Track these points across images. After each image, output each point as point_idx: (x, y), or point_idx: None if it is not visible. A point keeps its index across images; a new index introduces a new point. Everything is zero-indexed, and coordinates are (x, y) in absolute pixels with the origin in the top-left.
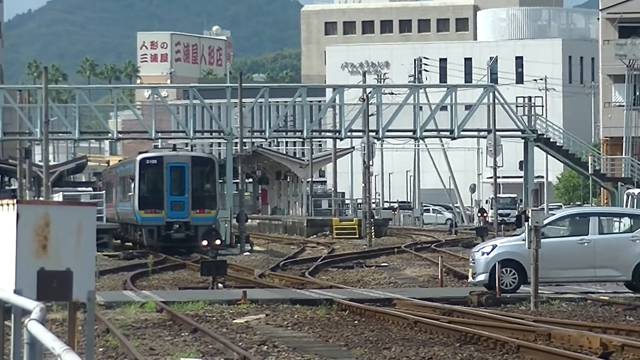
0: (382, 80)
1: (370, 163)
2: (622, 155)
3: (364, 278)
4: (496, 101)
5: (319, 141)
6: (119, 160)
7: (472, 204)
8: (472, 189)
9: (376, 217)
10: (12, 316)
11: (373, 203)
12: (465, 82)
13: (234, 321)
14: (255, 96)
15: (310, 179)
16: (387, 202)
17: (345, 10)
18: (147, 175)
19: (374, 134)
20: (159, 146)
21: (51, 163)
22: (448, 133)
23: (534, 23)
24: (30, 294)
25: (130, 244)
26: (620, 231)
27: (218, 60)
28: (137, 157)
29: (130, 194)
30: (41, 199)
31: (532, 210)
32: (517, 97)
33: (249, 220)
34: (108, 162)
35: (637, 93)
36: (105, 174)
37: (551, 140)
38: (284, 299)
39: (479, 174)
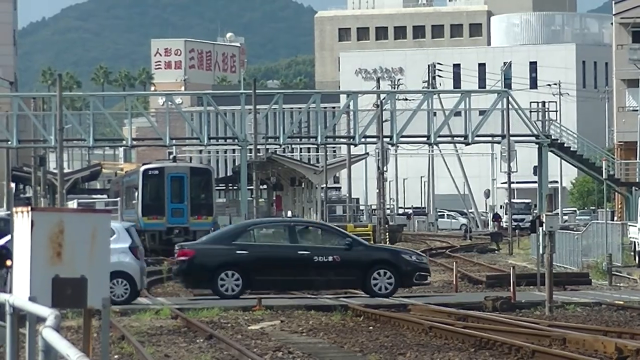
0: (396, 86)
1: (385, 169)
2: (636, 159)
3: None
4: (510, 106)
5: (333, 147)
6: (125, 172)
7: (486, 210)
8: (487, 194)
9: (391, 222)
10: (27, 323)
11: (387, 209)
12: (479, 87)
13: (249, 327)
14: (269, 102)
15: (324, 185)
16: (401, 207)
17: (358, 16)
18: (149, 185)
19: (388, 139)
20: (174, 153)
21: (66, 170)
22: (462, 138)
23: (547, 28)
24: (45, 301)
25: None
26: None
27: (232, 66)
28: (141, 168)
29: (134, 202)
30: (56, 206)
31: (546, 215)
32: (530, 102)
33: None
34: (121, 169)
35: None
36: (113, 184)
37: (565, 145)
38: (299, 305)
39: (493, 180)
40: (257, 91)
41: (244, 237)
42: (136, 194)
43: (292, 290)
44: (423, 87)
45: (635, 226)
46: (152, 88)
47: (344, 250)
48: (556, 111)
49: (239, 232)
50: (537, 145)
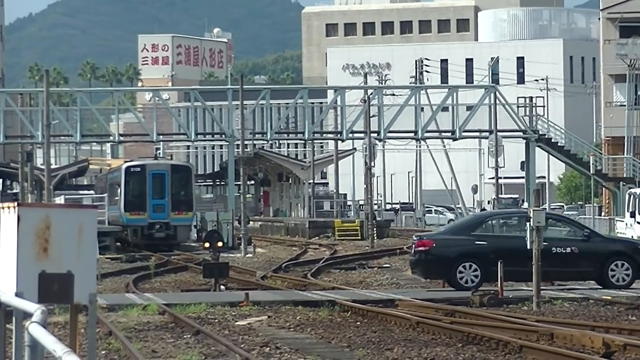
0: (384, 82)
1: (372, 164)
2: (623, 155)
3: (366, 279)
4: (497, 102)
5: (321, 143)
6: (109, 169)
7: (474, 205)
8: (474, 189)
9: (378, 218)
10: (13, 319)
11: (375, 204)
12: (467, 82)
13: (237, 323)
14: (256, 98)
15: (312, 181)
16: (389, 203)
17: (346, 11)
18: (131, 182)
19: (375, 135)
20: (161, 148)
21: (53, 166)
22: (449, 134)
23: (535, 23)
24: (32, 297)
25: (118, 243)
26: None
27: (219, 62)
28: (123, 166)
29: (116, 198)
30: (43, 202)
31: (534, 210)
32: (518, 98)
33: (251, 222)
34: (109, 165)
35: (639, 93)
36: (98, 181)
37: (553, 140)
38: (286, 301)
39: (481, 175)
40: (244, 87)
41: (482, 228)
42: (119, 190)
43: (529, 281)
44: (410, 83)
45: (623, 221)
46: (139, 84)
47: (582, 241)
48: (543, 106)
49: (477, 223)
50: (524, 141)
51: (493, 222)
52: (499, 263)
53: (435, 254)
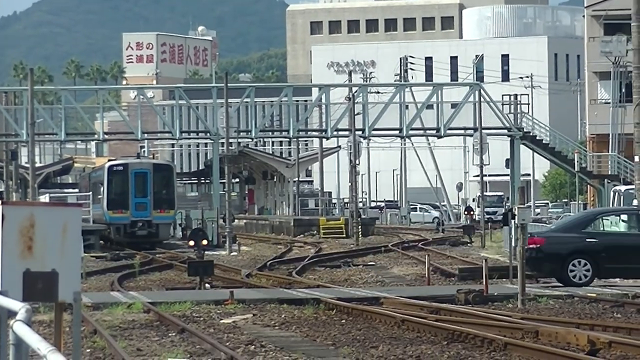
0: (368, 79)
1: (357, 162)
2: (608, 152)
3: (351, 277)
4: (482, 99)
5: (306, 141)
6: (93, 167)
7: (459, 203)
8: (459, 187)
9: (363, 216)
10: None
11: (360, 202)
12: (451, 80)
13: (222, 321)
14: (241, 96)
15: (296, 179)
16: (374, 201)
17: (330, 9)
18: (114, 180)
19: (360, 133)
20: (145, 147)
21: (37, 165)
22: (434, 131)
23: (519, 21)
24: (16, 295)
25: (102, 242)
26: None
27: (204, 60)
28: (106, 165)
29: (99, 196)
30: (28, 200)
31: (518, 208)
32: (503, 95)
33: (236, 220)
34: (93, 163)
35: (623, 90)
36: (82, 180)
37: (537, 137)
38: (271, 299)
39: (466, 172)
40: (228, 85)
41: (593, 225)
42: (102, 189)
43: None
44: (395, 80)
45: None
46: (124, 82)
47: None
48: (528, 104)
49: (588, 220)
50: (509, 138)
51: (604, 219)
52: (484, 261)
53: (547, 251)
